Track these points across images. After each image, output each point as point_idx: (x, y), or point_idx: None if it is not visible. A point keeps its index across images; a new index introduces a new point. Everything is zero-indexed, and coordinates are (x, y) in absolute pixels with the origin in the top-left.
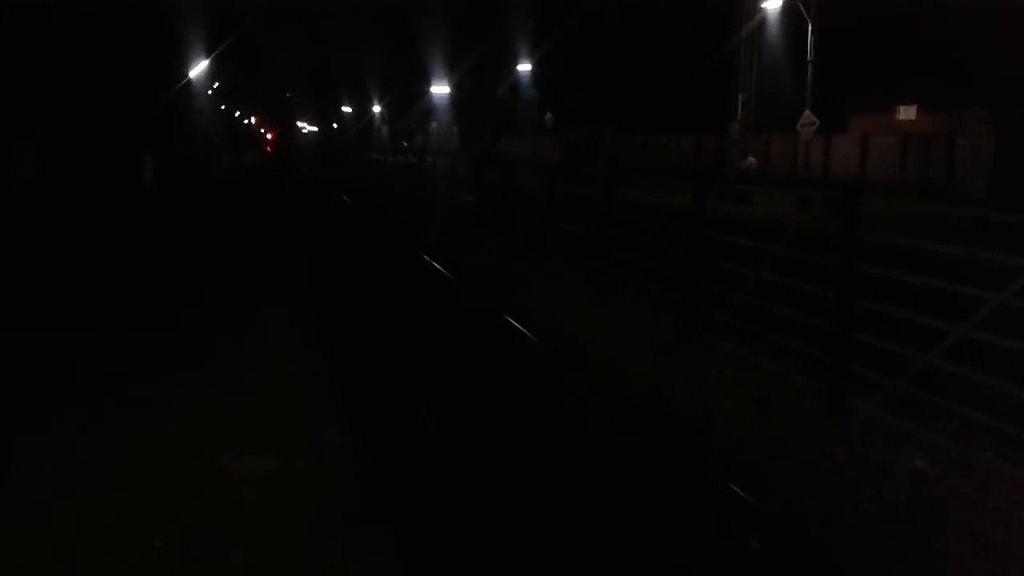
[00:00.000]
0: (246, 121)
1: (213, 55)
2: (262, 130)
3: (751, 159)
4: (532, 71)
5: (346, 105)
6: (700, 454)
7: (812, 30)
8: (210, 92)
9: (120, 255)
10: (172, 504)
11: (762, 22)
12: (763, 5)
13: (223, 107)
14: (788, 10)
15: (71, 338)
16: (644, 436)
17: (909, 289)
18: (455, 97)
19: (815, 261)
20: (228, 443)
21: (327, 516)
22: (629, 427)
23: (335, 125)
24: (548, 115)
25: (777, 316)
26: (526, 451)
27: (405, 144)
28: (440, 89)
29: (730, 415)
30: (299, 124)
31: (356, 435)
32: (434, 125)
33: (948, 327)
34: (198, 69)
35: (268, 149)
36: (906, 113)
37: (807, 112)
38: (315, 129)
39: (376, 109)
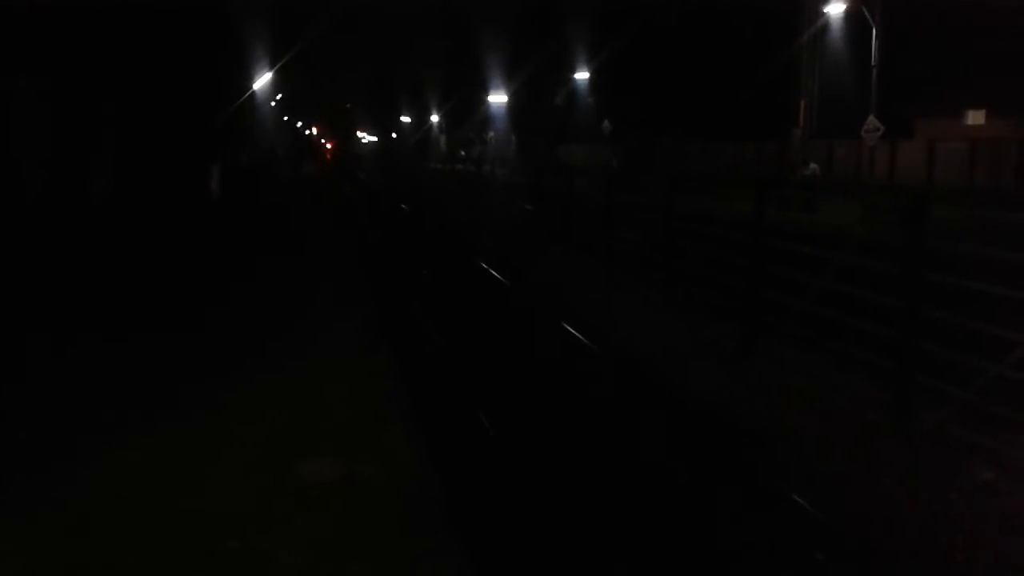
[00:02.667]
0: (307, 131)
1: (276, 67)
2: (322, 140)
3: (814, 166)
4: (590, 79)
5: (405, 115)
6: (762, 464)
7: (876, 34)
8: (273, 103)
9: (195, 261)
10: None
11: (825, 27)
12: (826, 10)
13: (285, 118)
14: (851, 14)
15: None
16: (705, 446)
17: (978, 297)
18: (513, 106)
19: (881, 269)
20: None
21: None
22: (690, 438)
23: (394, 135)
24: (606, 123)
25: (842, 325)
26: (583, 457)
27: (463, 153)
28: (498, 98)
29: (793, 425)
30: (359, 134)
31: (421, 437)
32: (492, 134)
33: (1019, 337)
34: (262, 81)
35: (328, 157)
36: (975, 118)
37: (871, 118)
38: (374, 139)
39: (434, 119)
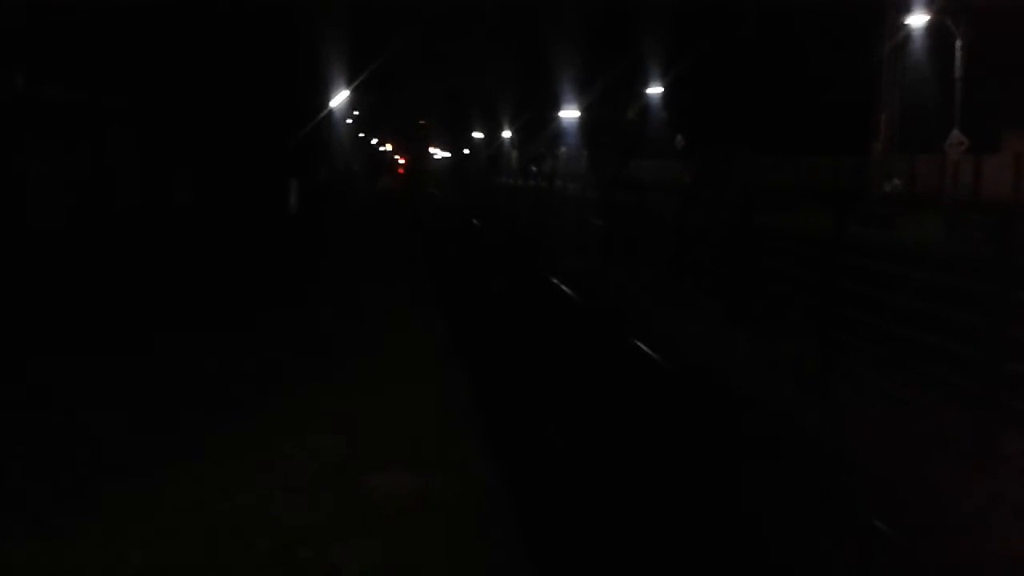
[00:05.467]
0: (381, 148)
1: (352, 86)
2: (396, 156)
3: (896, 181)
4: (663, 93)
5: (477, 131)
6: (841, 489)
7: (960, 45)
8: (349, 120)
9: (272, 269)
10: None
11: (906, 38)
12: (907, 21)
13: (361, 135)
14: (934, 26)
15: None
16: (781, 470)
17: None
18: (584, 121)
19: (965, 288)
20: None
21: None
22: (765, 460)
23: (466, 150)
24: (679, 138)
25: (923, 345)
26: (656, 482)
27: (534, 168)
28: (569, 113)
29: (871, 449)
30: (432, 150)
31: (491, 449)
32: (563, 149)
33: None
34: (339, 99)
35: (400, 172)
36: None
37: (955, 131)
38: (447, 154)
39: (506, 134)
